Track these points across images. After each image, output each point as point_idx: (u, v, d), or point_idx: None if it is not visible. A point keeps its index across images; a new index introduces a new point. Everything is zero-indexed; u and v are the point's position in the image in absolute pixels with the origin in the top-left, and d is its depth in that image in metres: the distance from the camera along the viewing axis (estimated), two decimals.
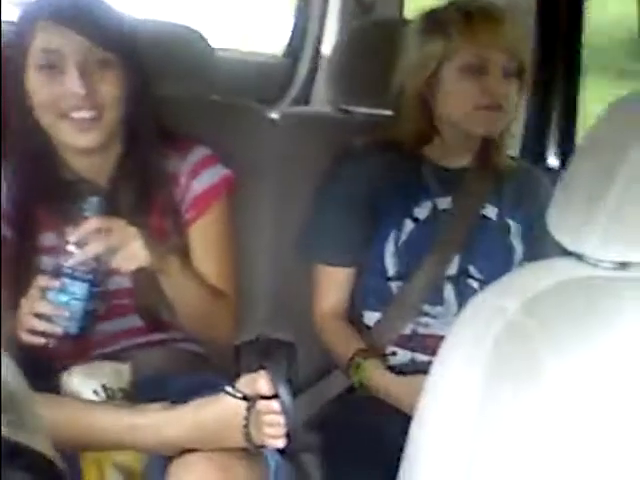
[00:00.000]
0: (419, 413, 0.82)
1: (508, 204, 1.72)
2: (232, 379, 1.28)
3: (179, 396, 1.33)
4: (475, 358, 0.73)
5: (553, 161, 2.07)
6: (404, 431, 0.83)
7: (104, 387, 1.35)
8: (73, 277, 1.31)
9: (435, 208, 1.67)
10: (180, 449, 1.25)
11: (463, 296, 1.66)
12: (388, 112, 1.77)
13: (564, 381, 0.70)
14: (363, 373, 1.60)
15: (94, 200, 1.35)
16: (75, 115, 1.42)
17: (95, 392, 1.34)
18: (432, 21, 1.63)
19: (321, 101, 2.66)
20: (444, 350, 0.79)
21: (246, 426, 1.22)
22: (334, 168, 1.72)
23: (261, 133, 1.84)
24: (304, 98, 2.94)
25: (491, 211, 1.70)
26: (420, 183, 1.68)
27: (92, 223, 1.32)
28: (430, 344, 1.65)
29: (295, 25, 3.05)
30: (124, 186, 1.50)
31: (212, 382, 1.40)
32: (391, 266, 1.66)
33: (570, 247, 0.78)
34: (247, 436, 1.22)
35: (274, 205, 1.82)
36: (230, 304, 1.58)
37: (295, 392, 1.62)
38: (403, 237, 1.65)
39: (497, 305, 0.75)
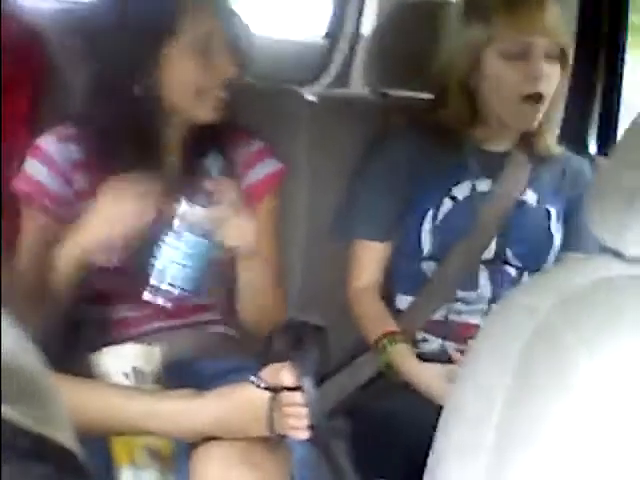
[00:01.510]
0: (448, 408, 0.80)
1: (549, 190, 1.69)
2: (263, 364, 1.27)
3: (210, 380, 1.33)
4: (504, 360, 0.71)
5: (594, 147, 2.03)
6: (432, 418, 0.82)
7: (134, 370, 1.35)
8: (194, 233, 1.32)
9: (474, 189, 1.65)
10: (203, 437, 1.24)
11: (498, 282, 1.65)
12: (426, 95, 1.74)
13: (597, 384, 0.68)
14: (388, 357, 1.59)
15: (219, 158, 1.36)
16: (217, 94, 1.44)
17: (125, 374, 1.34)
18: (473, 6, 1.61)
19: (360, 83, 2.63)
20: (473, 350, 0.77)
21: (269, 416, 1.21)
22: (375, 144, 1.71)
23: (299, 116, 1.82)
24: (343, 80, 2.91)
25: (531, 196, 1.68)
26: (460, 163, 1.66)
27: (221, 183, 1.35)
28: (461, 332, 1.64)
29: (335, 5, 3.02)
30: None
31: (243, 366, 1.39)
32: (426, 245, 1.64)
33: (608, 243, 0.75)
34: (270, 426, 1.21)
35: (309, 188, 1.81)
36: (283, 294, 1.59)
37: (325, 377, 1.62)
38: (441, 216, 1.63)
39: (528, 305, 0.72)
